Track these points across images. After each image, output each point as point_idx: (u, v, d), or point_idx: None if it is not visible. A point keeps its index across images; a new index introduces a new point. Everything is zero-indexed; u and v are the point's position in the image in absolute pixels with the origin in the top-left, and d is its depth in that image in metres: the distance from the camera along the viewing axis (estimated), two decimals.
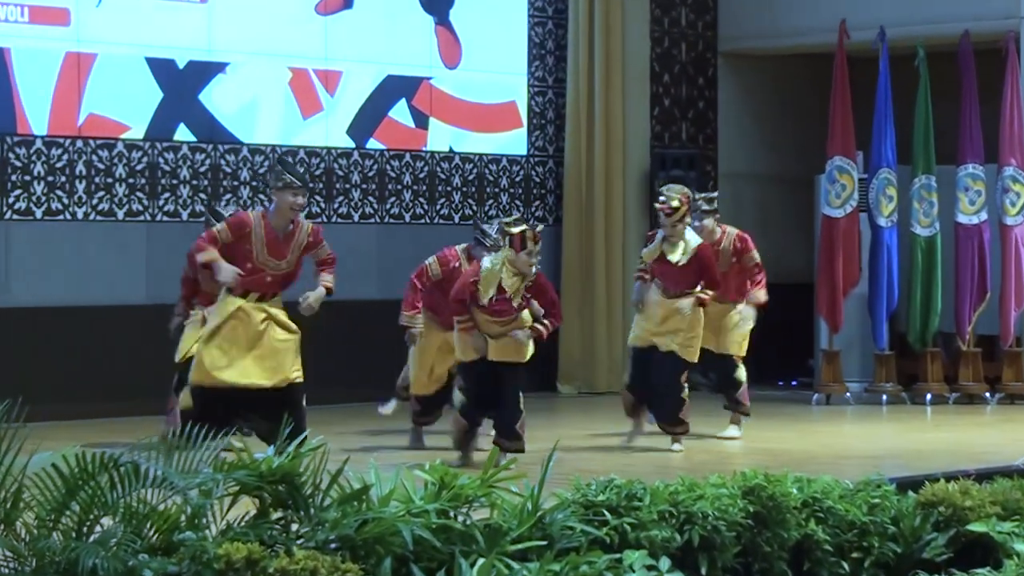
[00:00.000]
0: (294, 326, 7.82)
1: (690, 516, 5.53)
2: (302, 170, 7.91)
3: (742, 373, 9.51)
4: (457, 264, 8.59)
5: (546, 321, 7.99)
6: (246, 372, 7.60)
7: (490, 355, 7.92)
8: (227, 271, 7.60)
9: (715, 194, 9.86)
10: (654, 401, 8.83)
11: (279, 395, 7.59)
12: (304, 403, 7.70)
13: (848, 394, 11.82)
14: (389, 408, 9.06)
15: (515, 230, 7.87)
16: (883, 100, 11.74)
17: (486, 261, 7.99)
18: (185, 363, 8.15)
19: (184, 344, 8.43)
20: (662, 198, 8.81)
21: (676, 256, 8.78)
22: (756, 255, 9.67)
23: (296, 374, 7.69)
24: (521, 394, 8.02)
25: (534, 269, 7.95)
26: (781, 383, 13.09)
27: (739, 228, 9.62)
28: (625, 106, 12.72)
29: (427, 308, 8.69)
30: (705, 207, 9.53)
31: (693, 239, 8.84)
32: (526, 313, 7.98)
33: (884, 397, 11.77)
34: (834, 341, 11.89)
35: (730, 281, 9.51)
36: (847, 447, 9.48)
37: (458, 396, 7.98)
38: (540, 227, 8.01)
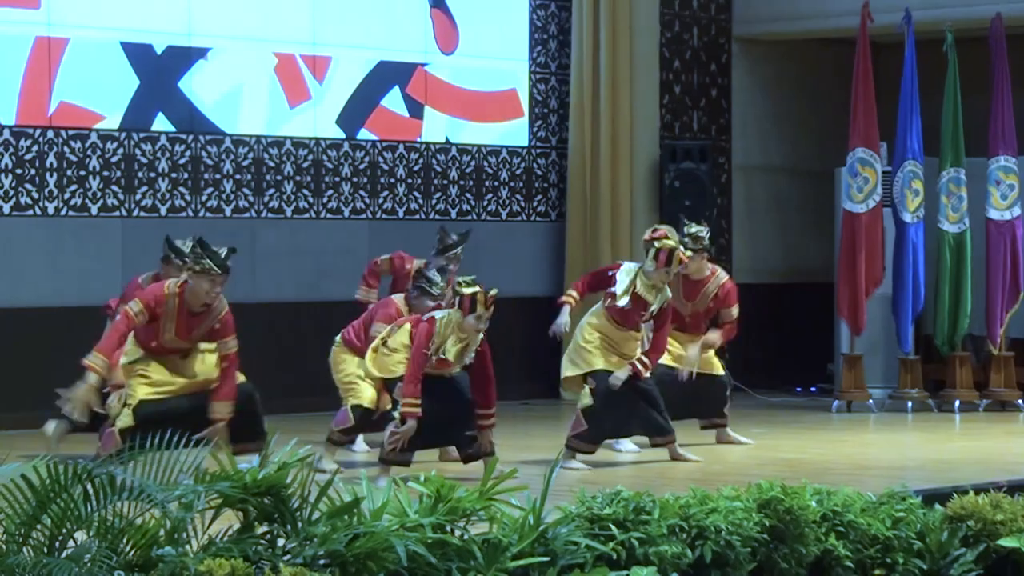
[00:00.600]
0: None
1: (702, 530, 5.54)
2: (224, 254, 7.80)
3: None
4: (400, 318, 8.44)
5: (483, 411, 7.85)
6: (183, 387, 7.93)
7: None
8: (78, 394, 7.71)
9: (705, 231, 9.44)
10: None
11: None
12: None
13: (871, 401, 11.83)
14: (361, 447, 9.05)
15: (467, 291, 7.66)
16: (909, 88, 11.75)
17: (439, 317, 7.76)
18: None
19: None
20: (673, 243, 8.49)
21: (654, 304, 8.61)
22: (736, 311, 9.48)
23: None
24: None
25: (479, 337, 7.75)
26: (799, 389, 13.10)
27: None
28: (633, 94, 12.73)
29: (348, 343, 8.73)
30: (692, 247, 9.18)
31: (667, 292, 8.68)
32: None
33: (909, 404, 11.77)
34: (856, 344, 11.91)
35: (702, 319, 9.47)
36: (870, 457, 9.49)
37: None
38: (495, 291, 7.72)
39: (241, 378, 8.03)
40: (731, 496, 5.77)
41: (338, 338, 8.91)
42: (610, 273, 8.77)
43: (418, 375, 7.71)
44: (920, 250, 11.78)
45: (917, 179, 11.80)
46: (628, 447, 9.13)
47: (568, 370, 8.76)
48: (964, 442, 10.25)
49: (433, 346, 7.74)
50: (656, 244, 8.57)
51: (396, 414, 7.86)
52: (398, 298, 8.85)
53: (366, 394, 8.55)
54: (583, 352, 8.68)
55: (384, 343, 8.02)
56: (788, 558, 5.72)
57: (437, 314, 7.84)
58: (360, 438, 9.08)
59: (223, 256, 7.76)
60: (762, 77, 13.73)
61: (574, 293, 8.80)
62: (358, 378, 8.55)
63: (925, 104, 11.80)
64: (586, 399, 8.57)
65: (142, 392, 7.89)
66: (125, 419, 7.83)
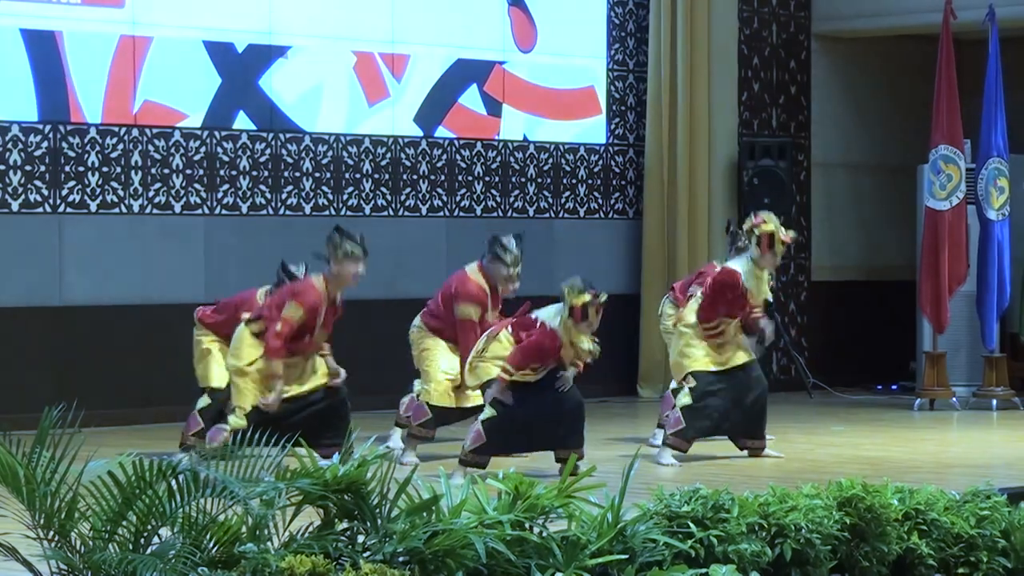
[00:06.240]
0: None
1: (782, 529, 5.51)
2: (358, 237, 8.11)
3: None
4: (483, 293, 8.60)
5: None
6: (297, 393, 8.10)
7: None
8: (275, 398, 7.99)
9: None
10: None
11: (326, 397, 8.14)
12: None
13: (954, 399, 11.71)
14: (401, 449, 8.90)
15: (577, 301, 7.80)
16: (993, 85, 11.62)
17: (552, 325, 7.88)
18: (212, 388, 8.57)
19: (211, 372, 8.64)
20: (772, 226, 8.76)
21: (763, 295, 8.95)
22: None
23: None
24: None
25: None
26: (880, 387, 12.99)
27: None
28: (711, 91, 12.67)
29: (432, 329, 8.79)
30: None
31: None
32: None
33: (994, 402, 11.65)
34: (939, 342, 11.79)
35: None
36: (953, 455, 9.40)
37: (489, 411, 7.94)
38: (605, 297, 7.90)
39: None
40: (811, 494, 5.74)
41: (418, 320, 8.94)
42: (705, 270, 8.94)
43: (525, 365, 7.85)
44: (1006, 247, 11.66)
45: (1002, 176, 11.67)
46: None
47: (678, 367, 8.88)
48: None
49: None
50: (756, 231, 8.78)
51: (481, 416, 7.91)
52: (471, 269, 8.81)
53: (437, 391, 8.63)
54: (687, 348, 8.81)
55: (480, 355, 8.07)
56: (869, 556, 5.68)
57: (546, 319, 7.90)
58: (396, 435, 9.09)
59: (358, 239, 8.02)
60: (842, 73, 13.62)
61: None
62: (442, 374, 8.63)
63: (1009, 101, 11.66)
64: (685, 399, 8.65)
65: (257, 398, 8.02)
66: (239, 420, 7.95)
